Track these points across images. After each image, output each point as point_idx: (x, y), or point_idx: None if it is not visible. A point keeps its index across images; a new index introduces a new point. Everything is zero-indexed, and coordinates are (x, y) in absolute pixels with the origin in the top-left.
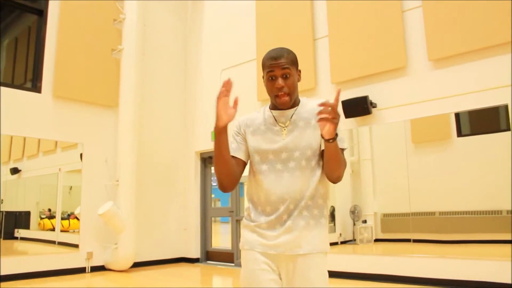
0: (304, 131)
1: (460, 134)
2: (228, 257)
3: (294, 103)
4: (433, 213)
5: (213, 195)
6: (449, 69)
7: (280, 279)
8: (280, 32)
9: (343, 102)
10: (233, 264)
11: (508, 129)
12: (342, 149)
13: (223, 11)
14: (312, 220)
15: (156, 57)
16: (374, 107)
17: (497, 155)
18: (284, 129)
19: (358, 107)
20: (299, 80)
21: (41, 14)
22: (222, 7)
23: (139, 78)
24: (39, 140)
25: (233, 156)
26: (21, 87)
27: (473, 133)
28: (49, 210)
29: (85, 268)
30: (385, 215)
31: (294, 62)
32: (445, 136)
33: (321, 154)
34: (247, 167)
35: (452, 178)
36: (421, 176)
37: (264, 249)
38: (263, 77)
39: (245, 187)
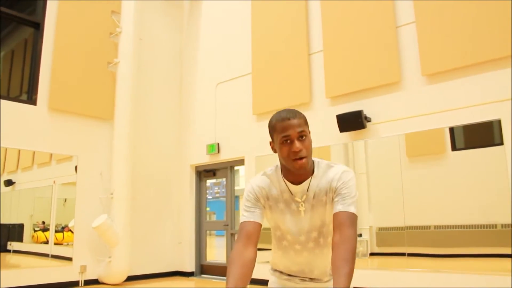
0: (318, 210)
1: (454, 148)
2: (223, 271)
3: (309, 170)
4: (428, 227)
5: (208, 208)
6: (443, 84)
7: None
8: (276, 46)
9: (338, 117)
10: None
11: (501, 144)
12: (352, 214)
13: (219, 25)
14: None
15: (151, 70)
16: (368, 121)
17: (491, 169)
18: (302, 206)
19: (353, 122)
20: (311, 142)
21: (38, 27)
22: (217, 21)
23: (135, 91)
24: (33, 152)
25: (254, 222)
26: (16, 99)
27: (468, 147)
28: (43, 222)
29: (78, 282)
30: (380, 229)
31: (306, 122)
32: (440, 150)
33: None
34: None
35: (446, 191)
36: (416, 190)
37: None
38: (271, 143)
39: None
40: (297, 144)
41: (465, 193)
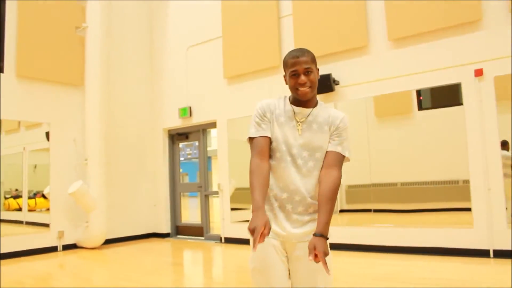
0: (316, 134)
1: (420, 107)
2: (198, 231)
3: (312, 102)
4: (395, 184)
5: (181, 170)
6: (408, 48)
7: (287, 261)
8: (246, 10)
9: None
10: (202, 238)
11: (461, 104)
12: (344, 157)
13: None
14: (315, 215)
15: (121, 34)
16: (337, 84)
17: (453, 128)
18: (300, 126)
19: (322, 85)
20: (318, 77)
21: None
22: None
23: (105, 56)
24: (0, 120)
25: (264, 136)
26: None
27: (433, 106)
28: (16, 189)
29: (56, 247)
30: (349, 186)
31: (314, 60)
32: (407, 110)
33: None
34: None
35: (412, 150)
36: (383, 148)
37: (273, 235)
38: (284, 76)
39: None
40: (303, 77)
41: (430, 151)
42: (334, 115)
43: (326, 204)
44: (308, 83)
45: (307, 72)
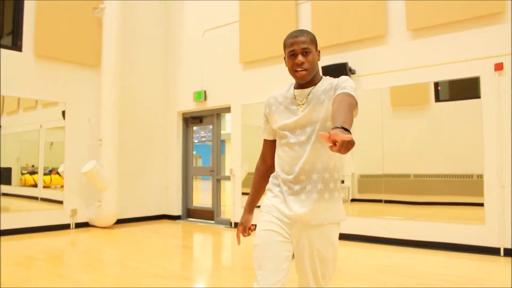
0: (315, 106)
1: (438, 99)
2: (209, 215)
3: (313, 81)
4: (408, 175)
5: (194, 152)
6: (427, 39)
7: (291, 244)
8: None
9: (323, 68)
10: (213, 222)
11: (479, 97)
12: (352, 95)
13: None
14: (327, 193)
15: (138, 16)
16: (353, 73)
17: (470, 122)
18: (301, 107)
19: (338, 73)
20: (318, 59)
21: None
22: None
23: (121, 38)
24: (19, 98)
25: (265, 140)
26: (2, 46)
27: (451, 99)
28: (33, 166)
29: (69, 224)
30: (362, 176)
31: (313, 41)
32: (424, 101)
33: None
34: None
35: (427, 141)
36: (398, 139)
37: (279, 216)
38: (284, 58)
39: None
40: (300, 57)
41: (445, 143)
42: (334, 81)
43: (341, 109)
44: (306, 64)
45: (305, 52)
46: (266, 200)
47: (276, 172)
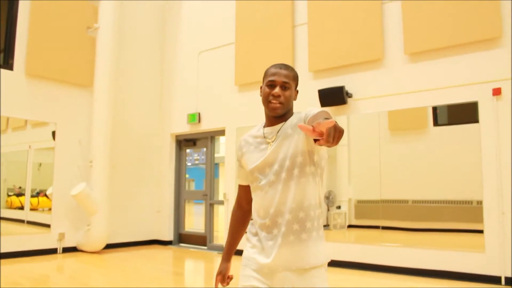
0: (282, 143)
1: (436, 123)
2: (201, 240)
3: (285, 117)
4: (406, 201)
5: (187, 175)
6: (424, 63)
7: None
8: (260, 17)
9: (320, 91)
10: (205, 247)
11: (477, 122)
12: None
13: None
14: (304, 233)
15: (132, 36)
16: (350, 97)
17: (469, 146)
18: (270, 145)
19: (334, 97)
20: (295, 98)
21: None
22: None
23: (115, 58)
24: (8, 117)
25: (240, 186)
26: None
27: (449, 123)
28: (20, 187)
29: (56, 249)
30: (359, 201)
31: (295, 78)
32: (422, 125)
33: (311, 160)
34: None
35: (426, 166)
36: (395, 164)
37: (257, 268)
38: (261, 88)
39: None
40: (278, 89)
41: (443, 168)
42: (302, 113)
43: (319, 114)
44: (282, 97)
45: (284, 87)
46: (245, 251)
47: (253, 218)
